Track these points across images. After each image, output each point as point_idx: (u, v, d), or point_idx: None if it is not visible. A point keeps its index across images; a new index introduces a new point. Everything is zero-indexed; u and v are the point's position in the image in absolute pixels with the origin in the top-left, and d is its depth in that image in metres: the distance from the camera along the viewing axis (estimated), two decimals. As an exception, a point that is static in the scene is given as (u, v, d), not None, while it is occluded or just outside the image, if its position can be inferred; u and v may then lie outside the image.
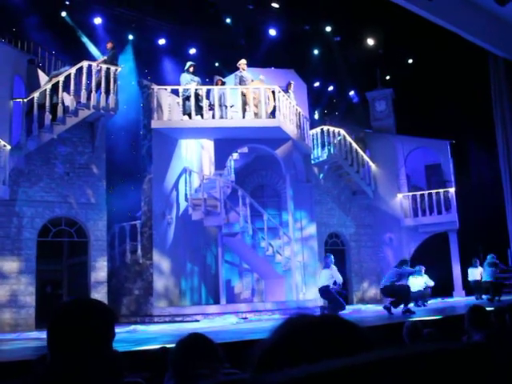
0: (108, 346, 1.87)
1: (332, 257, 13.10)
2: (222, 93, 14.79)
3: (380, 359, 0.61)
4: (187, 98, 14.52)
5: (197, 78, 15.13)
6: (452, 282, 18.36)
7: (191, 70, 15.15)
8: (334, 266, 12.80)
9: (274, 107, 14.73)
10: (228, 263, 15.89)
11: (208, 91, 14.88)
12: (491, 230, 17.84)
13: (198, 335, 2.76)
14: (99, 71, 13.60)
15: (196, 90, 14.56)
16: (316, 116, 19.15)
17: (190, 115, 14.51)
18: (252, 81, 15.35)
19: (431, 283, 15.74)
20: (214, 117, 14.54)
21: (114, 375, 1.91)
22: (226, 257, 15.43)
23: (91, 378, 1.81)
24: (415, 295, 14.63)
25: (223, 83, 15.45)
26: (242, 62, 15.53)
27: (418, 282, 15.10)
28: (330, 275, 12.60)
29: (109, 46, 14.47)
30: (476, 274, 16.64)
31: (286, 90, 15.81)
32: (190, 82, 14.81)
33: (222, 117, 14.59)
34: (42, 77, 14.02)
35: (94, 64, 13.55)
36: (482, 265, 16.36)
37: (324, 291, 12.58)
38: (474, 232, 18.49)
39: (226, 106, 14.68)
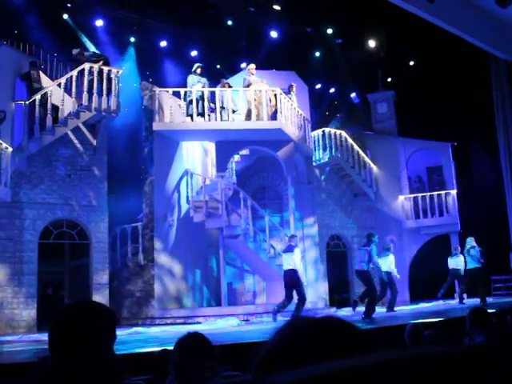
0: (109, 348, 1.88)
1: (297, 238, 12.71)
2: (225, 96, 14.80)
3: (381, 361, 0.61)
4: (191, 102, 14.51)
5: (204, 80, 15.14)
6: (454, 284, 18.32)
7: (198, 71, 15.16)
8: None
9: (276, 109, 14.74)
10: (229, 265, 15.89)
11: (211, 93, 14.88)
12: (493, 232, 17.81)
13: (195, 334, 2.78)
14: (100, 73, 13.60)
15: (201, 92, 14.57)
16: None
17: (192, 117, 14.53)
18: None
19: (394, 269, 14.49)
20: (215, 119, 14.55)
21: (114, 377, 1.91)
22: (228, 259, 15.43)
23: (92, 380, 1.81)
24: (384, 275, 14.06)
25: (230, 87, 15.46)
26: (252, 67, 15.56)
27: (387, 261, 14.36)
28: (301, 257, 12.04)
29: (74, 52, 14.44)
30: (456, 263, 15.46)
31: (288, 92, 15.83)
32: (196, 84, 14.83)
33: (223, 119, 14.61)
34: (44, 79, 14.03)
35: (95, 66, 13.56)
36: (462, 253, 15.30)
37: (294, 277, 11.60)
38: (475, 234, 18.45)
39: (228, 109, 14.69)
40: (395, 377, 0.60)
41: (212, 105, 14.81)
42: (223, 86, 15.30)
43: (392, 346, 0.76)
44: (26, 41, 15.34)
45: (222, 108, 14.68)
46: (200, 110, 14.47)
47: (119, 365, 1.97)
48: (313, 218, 16.68)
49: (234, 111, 15.00)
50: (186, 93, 14.62)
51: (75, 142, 13.85)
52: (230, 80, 16.57)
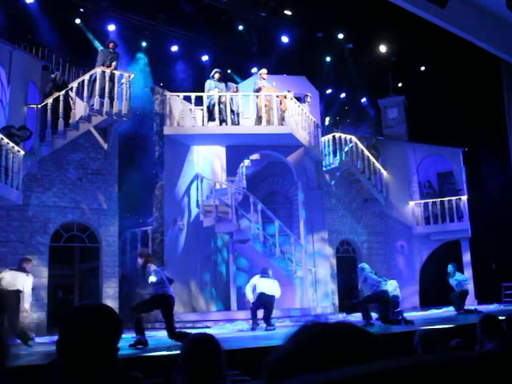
0: (115, 349, 1.90)
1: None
2: (235, 100, 14.84)
3: (395, 367, 0.61)
4: (213, 106, 14.58)
5: (222, 85, 15.15)
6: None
7: (216, 76, 15.17)
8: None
9: (285, 112, 14.76)
10: (239, 269, 15.88)
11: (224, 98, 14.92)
12: (504, 238, 17.72)
13: (202, 335, 2.78)
14: (112, 77, 13.66)
15: (212, 96, 14.61)
16: (327, 122, 19.22)
17: (203, 121, 14.58)
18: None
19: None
20: (226, 123, 14.58)
21: (122, 378, 1.92)
22: (237, 263, 15.42)
23: (101, 381, 1.82)
24: None
25: (237, 91, 15.50)
26: (263, 72, 15.59)
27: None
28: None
29: (111, 45, 14.36)
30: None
31: (303, 101, 15.88)
32: (213, 89, 14.86)
33: (234, 123, 14.64)
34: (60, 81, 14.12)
35: (107, 70, 13.62)
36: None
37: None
38: (486, 240, 18.36)
39: (238, 113, 14.72)
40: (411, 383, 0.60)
41: (219, 108, 14.85)
42: (232, 91, 15.32)
43: (402, 352, 0.76)
44: (39, 45, 15.46)
45: (232, 112, 14.69)
46: (222, 117, 14.49)
47: (125, 366, 1.99)
48: (323, 223, 16.64)
49: (237, 113, 15.00)
50: (201, 97, 14.64)
51: (86, 145, 13.92)
52: (242, 85, 16.60)
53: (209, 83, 15.09)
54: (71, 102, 13.43)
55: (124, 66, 15.47)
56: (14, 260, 12.55)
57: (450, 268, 15.02)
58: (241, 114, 14.80)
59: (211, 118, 14.55)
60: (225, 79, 16.08)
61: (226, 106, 14.58)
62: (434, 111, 19.53)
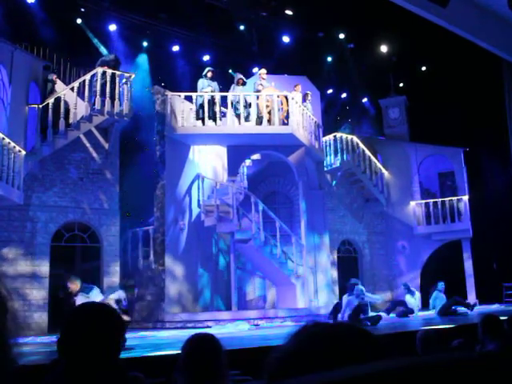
0: (117, 351, 1.90)
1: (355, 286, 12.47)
2: (236, 99, 14.85)
3: (395, 367, 0.61)
4: (202, 105, 14.57)
5: (214, 84, 15.17)
6: (465, 291, 18.21)
7: (209, 75, 15.20)
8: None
9: (288, 113, 14.75)
10: (240, 269, 15.88)
11: (223, 97, 14.92)
12: (505, 237, 17.71)
13: (203, 335, 2.78)
14: (113, 77, 13.67)
15: (212, 96, 14.62)
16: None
17: (203, 120, 14.57)
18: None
19: None
20: (226, 123, 14.58)
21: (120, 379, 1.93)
22: (238, 263, 15.43)
23: (99, 381, 1.83)
24: None
25: (244, 83, 15.47)
26: (263, 72, 15.60)
27: None
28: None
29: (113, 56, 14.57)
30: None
31: (303, 101, 15.87)
32: (206, 88, 14.87)
33: (235, 123, 14.65)
34: (57, 82, 14.13)
35: (108, 71, 13.63)
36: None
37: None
38: (487, 240, 18.36)
39: (239, 111, 14.71)
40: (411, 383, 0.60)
41: (224, 109, 14.87)
42: (238, 81, 15.31)
43: (403, 353, 0.76)
44: (40, 45, 15.46)
45: (236, 109, 14.68)
46: (211, 115, 14.51)
47: (126, 366, 1.99)
48: (324, 223, 16.63)
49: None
50: (196, 96, 14.68)
51: (87, 145, 13.93)
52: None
53: (201, 82, 15.11)
54: (62, 102, 13.38)
55: (125, 66, 15.47)
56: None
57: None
58: (242, 113, 14.75)
59: (209, 116, 14.52)
60: (224, 79, 16.07)
61: (218, 105, 14.59)
62: (436, 111, 19.52)
